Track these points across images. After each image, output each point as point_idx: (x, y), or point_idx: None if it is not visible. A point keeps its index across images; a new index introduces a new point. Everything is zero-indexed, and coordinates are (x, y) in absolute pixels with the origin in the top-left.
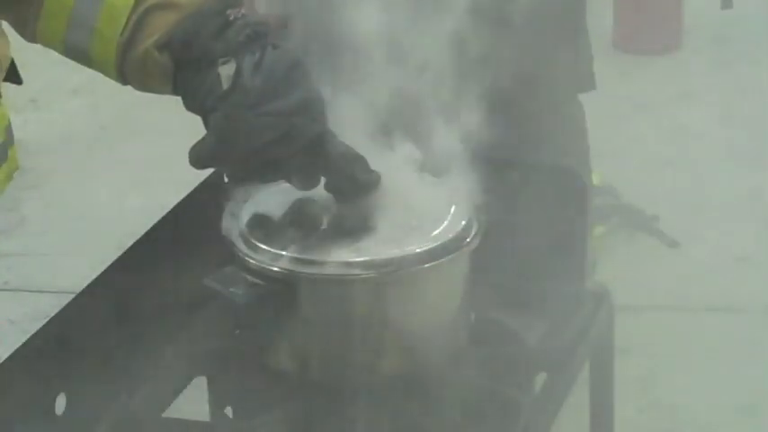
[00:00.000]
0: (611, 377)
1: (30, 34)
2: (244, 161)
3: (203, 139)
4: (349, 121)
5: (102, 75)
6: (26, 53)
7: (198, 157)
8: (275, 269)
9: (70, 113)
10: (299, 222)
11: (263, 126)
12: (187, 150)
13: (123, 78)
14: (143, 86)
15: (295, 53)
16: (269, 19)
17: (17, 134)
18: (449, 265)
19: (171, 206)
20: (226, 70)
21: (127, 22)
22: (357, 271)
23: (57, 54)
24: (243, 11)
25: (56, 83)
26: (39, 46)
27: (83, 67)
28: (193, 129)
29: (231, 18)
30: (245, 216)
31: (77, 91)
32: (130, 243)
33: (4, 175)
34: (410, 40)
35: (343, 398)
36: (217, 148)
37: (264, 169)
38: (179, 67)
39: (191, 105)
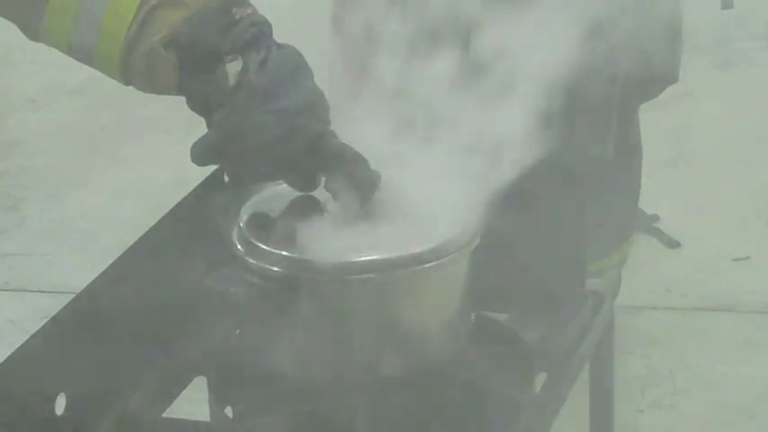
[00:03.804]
0: (611, 377)
1: (33, 32)
2: (246, 158)
3: (206, 135)
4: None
5: (102, 74)
6: (26, 53)
7: (200, 154)
8: (275, 269)
9: (70, 113)
10: (298, 222)
11: (266, 124)
12: (187, 150)
13: (127, 78)
14: (146, 86)
15: (299, 53)
16: None
17: (17, 134)
18: (449, 265)
19: (171, 206)
20: (232, 68)
21: (133, 20)
22: (357, 271)
23: (57, 54)
24: (248, 10)
25: (56, 83)
26: (39, 46)
27: (83, 67)
28: (193, 129)
29: (237, 17)
30: (244, 216)
31: (77, 91)
32: (130, 243)
33: None
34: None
35: (343, 398)
36: (219, 144)
37: (266, 167)
38: (184, 65)
39: (194, 103)
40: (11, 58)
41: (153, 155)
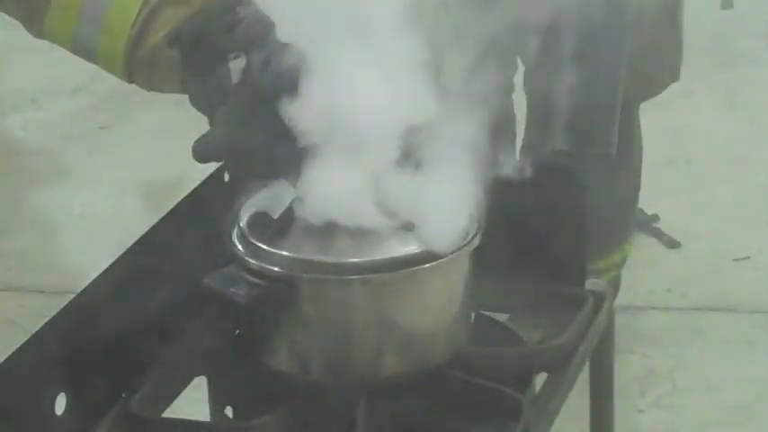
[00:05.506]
0: (611, 377)
1: (37, 29)
2: (248, 156)
3: (208, 132)
4: None
5: (104, 73)
6: (27, 52)
7: (201, 151)
8: (275, 270)
9: (70, 113)
10: (298, 222)
11: (270, 122)
12: (187, 150)
13: (130, 75)
14: (149, 83)
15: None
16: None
17: (17, 134)
18: (449, 265)
19: (171, 206)
20: (236, 65)
21: (137, 17)
22: (357, 271)
23: (57, 53)
24: (252, 8)
25: (56, 83)
26: (40, 45)
27: (84, 66)
28: (193, 129)
29: (240, 15)
30: (245, 216)
31: (77, 91)
32: (130, 243)
33: None
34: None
35: (342, 398)
36: (222, 141)
37: (267, 166)
38: (188, 63)
39: (197, 101)
40: (11, 58)
41: (153, 155)
